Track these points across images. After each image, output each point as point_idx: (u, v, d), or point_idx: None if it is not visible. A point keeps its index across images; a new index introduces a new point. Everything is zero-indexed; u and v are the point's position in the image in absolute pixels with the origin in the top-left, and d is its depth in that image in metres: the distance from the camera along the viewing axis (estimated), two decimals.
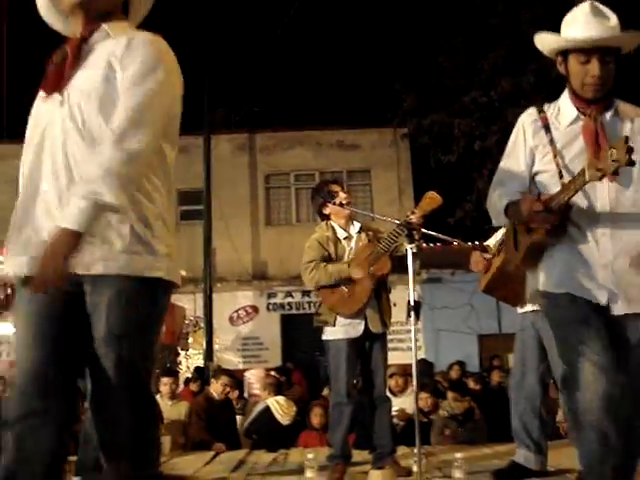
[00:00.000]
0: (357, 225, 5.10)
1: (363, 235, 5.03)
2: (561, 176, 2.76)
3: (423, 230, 4.57)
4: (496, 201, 2.94)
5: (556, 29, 3.02)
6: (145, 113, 2.10)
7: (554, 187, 2.75)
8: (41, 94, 2.28)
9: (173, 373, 8.51)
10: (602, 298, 2.68)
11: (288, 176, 17.74)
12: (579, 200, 2.71)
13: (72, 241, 2.00)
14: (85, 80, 2.18)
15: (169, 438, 6.56)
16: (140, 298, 2.11)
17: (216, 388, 7.71)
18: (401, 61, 17.27)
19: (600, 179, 2.52)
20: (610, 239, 2.71)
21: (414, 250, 4.28)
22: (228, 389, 7.81)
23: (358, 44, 20.63)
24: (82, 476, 2.53)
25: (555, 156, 2.81)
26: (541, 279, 2.84)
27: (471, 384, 9.14)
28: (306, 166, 17.49)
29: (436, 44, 16.20)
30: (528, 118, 2.96)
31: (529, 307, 4.41)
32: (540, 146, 2.87)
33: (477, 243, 4.66)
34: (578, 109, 2.85)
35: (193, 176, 15.55)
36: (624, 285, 2.68)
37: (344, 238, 5.02)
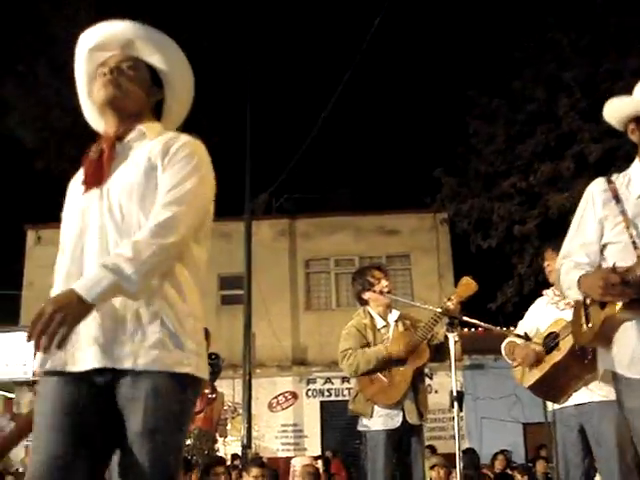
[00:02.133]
0: (395, 313, 5.05)
1: (400, 323, 4.98)
2: (635, 247, 2.61)
3: (465, 318, 4.51)
4: (565, 273, 2.81)
5: (594, 114, 2.98)
6: (182, 211, 2.15)
7: (627, 259, 2.59)
8: (77, 188, 2.32)
9: (223, 462, 8.23)
10: None
11: (328, 261, 17.81)
12: None
13: (79, 307, 1.96)
14: (126, 178, 2.22)
15: None
16: (173, 395, 2.09)
17: None
18: (440, 147, 17.50)
19: None
20: None
21: (456, 339, 4.22)
22: None
23: (397, 131, 20.98)
24: None
25: (627, 227, 2.66)
26: (613, 359, 2.67)
27: (517, 476, 8.84)
28: (346, 251, 17.56)
29: (475, 130, 16.40)
30: (597, 188, 2.83)
31: (570, 401, 4.30)
32: (611, 217, 2.73)
33: (525, 333, 4.55)
34: None
35: (234, 261, 15.71)
36: None
37: (382, 327, 4.98)
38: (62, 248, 2.29)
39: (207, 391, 6.86)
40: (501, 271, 15.70)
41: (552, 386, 4.33)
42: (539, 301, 4.73)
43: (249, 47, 16.78)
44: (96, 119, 2.49)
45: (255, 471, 7.43)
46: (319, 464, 10.61)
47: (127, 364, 2.06)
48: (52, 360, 2.11)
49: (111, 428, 2.10)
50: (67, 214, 2.34)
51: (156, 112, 2.48)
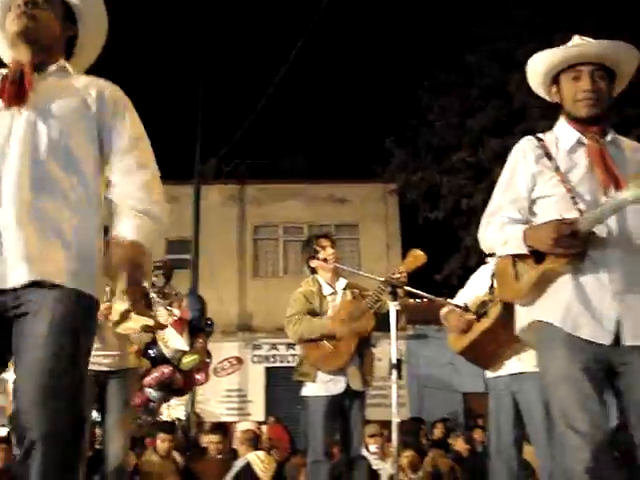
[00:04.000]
0: (343, 281, 5.11)
1: (348, 292, 5.04)
2: (575, 202, 2.67)
3: (407, 288, 4.58)
4: (498, 228, 2.82)
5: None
6: (151, 154, 2.41)
7: (562, 212, 2.64)
8: None
9: (171, 429, 8.15)
10: (606, 339, 2.55)
11: (277, 228, 17.81)
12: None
13: (141, 252, 2.22)
14: (57, 107, 2.24)
15: None
16: (82, 308, 2.15)
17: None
18: (392, 118, 17.54)
19: None
20: (620, 267, 2.60)
21: (397, 308, 4.29)
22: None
23: (350, 99, 20.95)
24: None
25: (563, 181, 2.72)
26: (543, 310, 2.70)
27: (460, 443, 9.03)
28: (295, 219, 17.57)
29: (427, 103, 16.47)
30: (528, 144, 2.87)
31: (504, 371, 4.43)
32: (545, 171, 2.78)
33: (464, 304, 4.65)
34: (578, 132, 2.80)
35: (182, 225, 15.60)
36: (634, 315, 2.57)
37: (329, 294, 5.04)
38: None
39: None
40: (448, 243, 15.89)
41: (481, 352, 4.45)
42: (482, 269, 4.83)
43: (203, 11, 16.55)
44: (6, 50, 2.47)
45: (215, 437, 7.63)
46: (263, 429, 10.66)
47: (56, 279, 2.10)
48: None
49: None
50: None
51: (67, 49, 2.50)
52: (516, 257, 2.79)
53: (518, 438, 4.48)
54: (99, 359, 4.35)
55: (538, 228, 2.68)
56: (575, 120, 2.81)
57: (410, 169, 16.31)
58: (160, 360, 6.78)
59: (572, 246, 2.56)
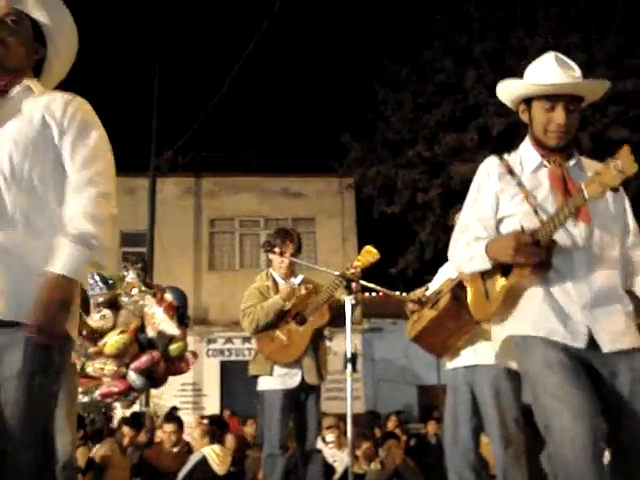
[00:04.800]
0: (299, 277, 5.11)
1: (303, 287, 5.05)
2: (536, 213, 2.69)
3: (362, 282, 4.61)
4: (465, 246, 2.83)
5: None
6: (108, 185, 2.28)
7: (527, 225, 2.65)
8: None
9: (137, 424, 8.33)
10: (581, 342, 2.59)
11: (233, 221, 17.73)
12: (556, 239, 2.62)
13: (67, 287, 2.09)
14: (18, 132, 2.23)
15: None
16: (54, 345, 2.14)
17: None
18: (349, 112, 17.56)
19: (602, 195, 2.47)
20: (586, 279, 2.64)
21: (352, 302, 4.31)
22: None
23: (307, 94, 20.94)
24: None
25: (527, 197, 2.74)
26: (515, 324, 2.71)
27: (399, 434, 9.17)
28: (251, 212, 17.52)
29: (383, 97, 16.54)
30: (491, 164, 2.90)
31: (460, 362, 4.49)
32: (507, 189, 2.80)
33: (419, 298, 4.68)
34: (541, 156, 2.82)
35: (137, 218, 15.44)
36: (603, 324, 2.60)
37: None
38: None
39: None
40: (403, 237, 16.02)
41: (433, 340, 4.51)
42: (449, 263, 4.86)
43: (160, 4, 16.38)
44: None
45: (169, 427, 7.63)
46: (206, 422, 10.64)
47: (12, 317, 2.09)
48: None
49: None
50: None
51: (36, 67, 2.47)
52: (485, 275, 2.81)
53: (475, 430, 4.53)
54: None
55: (499, 239, 2.72)
56: (540, 145, 2.83)
57: (366, 164, 16.38)
58: (147, 346, 6.76)
59: (534, 254, 2.57)
